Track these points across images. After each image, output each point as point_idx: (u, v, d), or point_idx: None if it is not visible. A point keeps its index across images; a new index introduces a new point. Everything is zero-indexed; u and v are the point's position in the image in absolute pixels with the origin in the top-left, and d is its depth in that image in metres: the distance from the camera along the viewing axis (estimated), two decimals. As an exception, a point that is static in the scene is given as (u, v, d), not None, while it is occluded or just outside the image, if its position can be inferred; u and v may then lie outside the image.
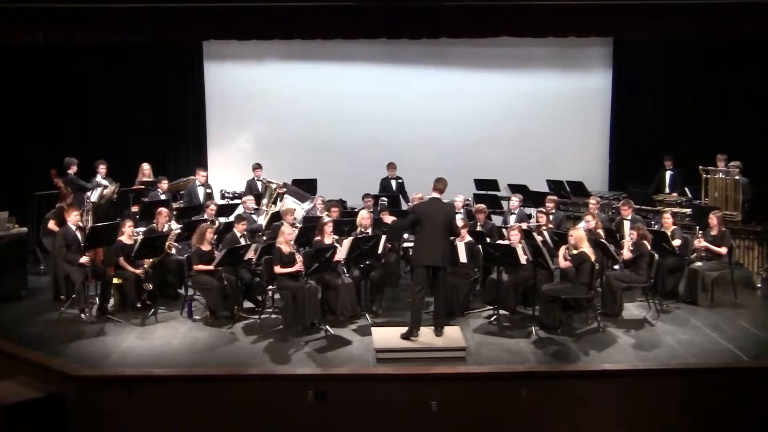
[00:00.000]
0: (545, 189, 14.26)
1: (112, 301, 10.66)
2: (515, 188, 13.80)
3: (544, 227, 11.47)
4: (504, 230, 11.29)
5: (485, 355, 9.13)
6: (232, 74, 16.11)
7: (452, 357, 8.99)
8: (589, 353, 9.16)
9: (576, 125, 16.30)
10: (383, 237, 10.50)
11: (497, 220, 13.02)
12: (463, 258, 10.45)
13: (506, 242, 10.44)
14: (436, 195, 9.44)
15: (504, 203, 14.14)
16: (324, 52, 15.75)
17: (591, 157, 16.31)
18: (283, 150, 15.88)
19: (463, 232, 10.66)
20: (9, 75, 13.96)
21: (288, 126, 16.03)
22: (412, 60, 16.05)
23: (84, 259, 10.30)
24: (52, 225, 11.61)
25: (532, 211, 12.88)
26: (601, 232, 10.87)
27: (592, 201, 12.16)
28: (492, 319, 10.27)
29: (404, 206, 13.91)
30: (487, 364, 8.87)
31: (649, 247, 10.38)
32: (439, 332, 9.33)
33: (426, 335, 9.33)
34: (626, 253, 10.46)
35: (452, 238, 9.86)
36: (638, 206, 12.68)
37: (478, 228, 11.55)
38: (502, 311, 10.37)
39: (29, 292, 11.52)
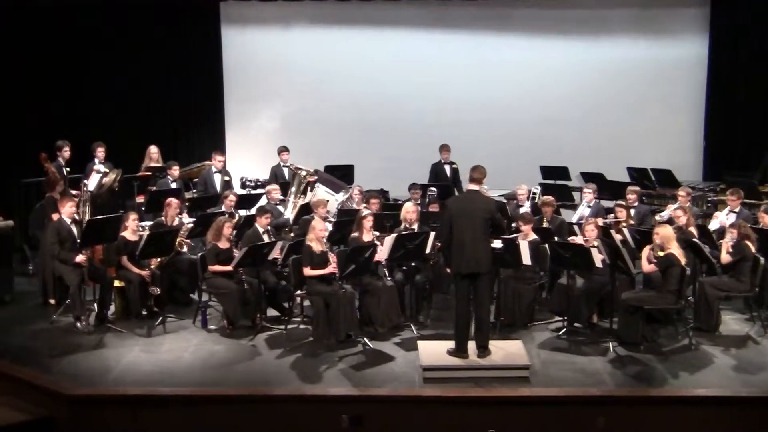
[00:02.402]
0: (625, 178, 14.16)
1: (112, 308, 10.75)
2: (589, 177, 13.72)
3: (624, 224, 11.37)
4: (576, 227, 11.19)
5: (553, 375, 9.07)
6: (254, 41, 16.23)
7: (513, 377, 8.93)
8: (678, 375, 9.04)
9: (663, 102, 16.18)
10: (432, 234, 10.44)
11: (567, 214, 12.92)
12: (526, 259, 10.33)
13: (578, 241, 10.34)
14: (473, 187, 9.28)
15: (576, 195, 14.03)
16: (362, 16, 15.81)
17: (681, 141, 16.21)
18: (314, 131, 15.96)
19: (527, 228, 10.61)
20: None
21: (319, 103, 16.10)
22: (466, 25, 16.04)
23: (80, 258, 10.35)
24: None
25: (610, 204, 12.75)
26: (693, 230, 10.73)
27: (682, 192, 12.04)
28: (561, 333, 10.21)
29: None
30: (555, 386, 8.81)
31: (753, 249, 10.21)
32: (482, 353, 9.13)
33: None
34: (724, 256, 10.29)
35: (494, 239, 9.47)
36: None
37: (545, 224, 11.50)
38: (573, 323, 10.29)
39: (15, 296, 11.65)
